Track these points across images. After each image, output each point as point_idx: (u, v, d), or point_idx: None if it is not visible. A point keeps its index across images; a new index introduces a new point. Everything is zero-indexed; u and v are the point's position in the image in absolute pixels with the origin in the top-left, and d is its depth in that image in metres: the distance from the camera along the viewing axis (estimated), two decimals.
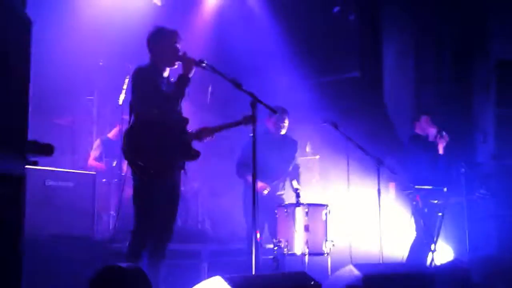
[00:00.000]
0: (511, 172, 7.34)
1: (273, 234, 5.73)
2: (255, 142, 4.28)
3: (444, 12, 7.98)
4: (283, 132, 6.20)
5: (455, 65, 8.06)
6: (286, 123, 6.18)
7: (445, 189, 6.35)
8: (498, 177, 7.35)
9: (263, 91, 4.62)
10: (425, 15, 8.15)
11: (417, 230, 6.41)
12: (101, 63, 7.52)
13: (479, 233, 7.04)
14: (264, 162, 5.79)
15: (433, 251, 6.15)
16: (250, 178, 5.81)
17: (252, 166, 4.20)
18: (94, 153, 7.24)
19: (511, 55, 7.59)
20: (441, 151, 6.55)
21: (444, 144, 6.55)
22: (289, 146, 6.28)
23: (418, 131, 6.77)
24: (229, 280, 3.39)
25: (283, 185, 6.25)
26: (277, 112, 4.90)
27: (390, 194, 7.25)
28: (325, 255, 5.38)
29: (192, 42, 5.94)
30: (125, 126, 5.36)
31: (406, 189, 6.51)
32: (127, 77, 6.70)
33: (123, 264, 3.37)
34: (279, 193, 6.13)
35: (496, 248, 7.11)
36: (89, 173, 5.70)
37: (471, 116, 7.87)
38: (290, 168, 6.23)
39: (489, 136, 7.59)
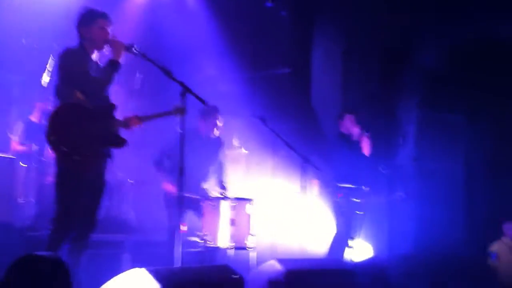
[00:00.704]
0: (430, 174, 7.64)
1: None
2: (184, 134, 4.25)
3: (373, 17, 8.18)
4: (215, 134, 6.12)
5: (381, 68, 8.29)
6: (220, 123, 6.10)
7: (366, 188, 6.52)
8: (417, 178, 7.62)
9: (194, 82, 4.58)
10: (354, 18, 8.32)
11: (337, 226, 6.56)
12: (23, 41, 7.19)
13: (398, 232, 7.31)
14: (187, 162, 5.73)
15: (350, 248, 6.32)
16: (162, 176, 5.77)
17: (175, 161, 4.18)
18: (16, 137, 6.90)
19: (435, 61, 7.88)
20: (365, 152, 6.71)
21: (368, 144, 6.72)
22: (216, 147, 6.20)
23: (342, 129, 6.90)
24: (153, 272, 3.35)
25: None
26: (207, 103, 4.83)
27: (314, 190, 7.38)
28: (249, 249, 5.41)
29: (122, 26, 5.80)
30: (47, 107, 5.15)
31: (329, 187, 6.63)
32: (51, 57, 6.42)
33: (42, 253, 3.25)
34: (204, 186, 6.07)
35: (413, 248, 7.39)
36: (7, 157, 5.43)
37: (394, 118, 8.13)
38: (214, 168, 6.17)
39: (410, 138, 7.85)
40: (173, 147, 5.74)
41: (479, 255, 6.46)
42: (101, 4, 4.54)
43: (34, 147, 6.72)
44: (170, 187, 5.73)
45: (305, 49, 8.88)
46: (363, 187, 6.52)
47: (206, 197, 5.64)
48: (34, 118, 7.06)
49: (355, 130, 6.80)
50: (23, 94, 7.44)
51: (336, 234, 6.53)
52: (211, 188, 6.03)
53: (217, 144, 6.21)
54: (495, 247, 6.92)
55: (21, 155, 6.56)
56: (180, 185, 4.19)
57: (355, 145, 6.75)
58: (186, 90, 4.31)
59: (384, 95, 8.14)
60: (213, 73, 8.36)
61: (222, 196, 5.54)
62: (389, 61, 8.14)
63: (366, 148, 6.73)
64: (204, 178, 6.06)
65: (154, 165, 5.98)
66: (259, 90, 8.49)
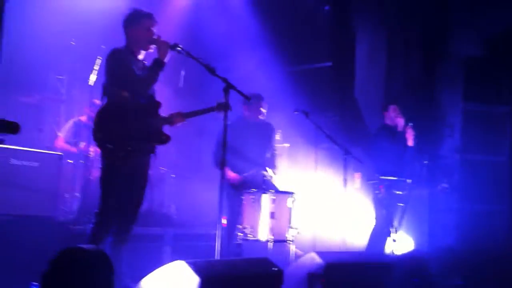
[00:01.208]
0: (473, 167, 7.49)
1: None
2: (226, 129, 4.31)
3: (415, 9, 8.07)
4: (260, 117, 6.15)
5: (425, 59, 8.16)
6: (264, 109, 6.14)
7: (409, 181, 6.46)
8: (461, 171, 7.48)
9: (236, 78, 4.63)
10: (396, 10, 8.22)
11: (377, 219, 6.51)
12: (73, 43, 7.41)
13: (439, 225, 7.20)
14: (242, 149, 5.82)
15: (393, 241, 6.28)
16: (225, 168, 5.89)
17: (225, 153, 4.25)
18: (64, 134, 7.14)
19: (479, 51, 7.72)
20: (410, 143, 6.64)
21: (412, 135, 6.65)
22: (265, 131, 6.21)
23: (387, 121, 6.85)
24: (192, 265, 3.43)
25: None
26: (250, 99, 4.87)
27: (355, 183, 7.34)
28: (289, 242, 5.44)
29: (166, 25, 5.91)
30: (96, 108, 5.33)
31: (371, 179, 6.60)
32: (99, 57, 6.62)
33: (85, 246, 3.36)
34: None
35: (455, 241, 7.27)
36: (55, 154, 5.61)
37: (438, 110, 7.99)
38: (268, 154, 6.19)
39: (455, 130, 7.71)
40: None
41: None
42: (146, 4, 4.66)
43: (82, 144, 6.94)
44: (233, 175, 5.84)
45: (347, 42, 8.82)
46: (406, 180, 6.46)
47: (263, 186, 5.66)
48: (83, 118, 7.26)
49: (399, 121, 6.72)
50: (71, 94, 7.67)
51: (375, 227, 6.49)
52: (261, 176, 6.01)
53: (267, 129, 6.23)
54: None
55: (67, 152, 6.77)
56: (222, 179, 4.25)
57: (400, 136, 6.67)
58: (229, 86, 4.36)
59: (429, 86, 8.01)
60: (255, 68, 8.38)
61: (263, 189, 5.58)
62: (432, 51, 8.00)
63: (410, 139, 6.66)
64: (258, 164, 6.04)
65: (217, 165, 6.05)
66: (301, 84, 8.46)
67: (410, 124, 6.66)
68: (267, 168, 6.03)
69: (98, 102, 6.07)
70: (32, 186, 5.11)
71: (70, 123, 7.22)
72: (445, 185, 6.59)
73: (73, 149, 6.93)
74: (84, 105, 7.14)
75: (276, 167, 6.20)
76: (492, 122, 7.59)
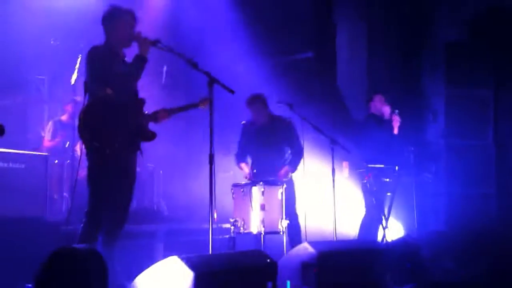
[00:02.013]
0: (459, 151, 7.58)
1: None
2: (213, 122, 4.27)
3: None
4: (262, 119, 6.01)
5: (406, 47, 8.23)
6: (258, 109, 5.99)
7: (396, 168, 6.51)
8: (447, 155, 7.57)
9: (217, 71, 4.61)
10: None
11: (367, 207, 6.56)
12: (52, 42, 7.34)
13: (428, 210, 7.28)
14: (256, 155, 5.91)
15: (384, 228, 6.33)
16: (243, 166, 5.93)
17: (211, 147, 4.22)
18: (47, 135, 7.14)
19: (459, 35, 7.79)
20: (395, 130, 6.68)
21: (398, 123, 6.68)
22: (278, 130, 6.02)
23: (372, 110, 6.89)
24: (185, 260, 3.41)
25: None
26: (234, 92, 4.82)
27: (344, 172, 7.39)
28: (281, 233, 5.46)
29: (146, 21, 5.86)
30: (78, 107, 5.29)
31: (359, 168, 6.64)
32: (79, 56, 6.55)
33: (78, 246, 3.34)
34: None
35: (444, 225, 7.36)
36: (41, 155, 5.58)
37: (422, 96, 8.06)
38: (288, 154, 6.04)
39: (439, 115, 7.79)
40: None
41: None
42: (124, 1, 4.61)
43: (67, 144, 6.91)
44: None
45: (328, 33, 8.85)
46: (394, 167, 6.51)
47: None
48: (64, 118, 7.25)
49: (386, 110, 6.76)
50: (53, 94, 7.60)
51: (366, 215, 6.54)
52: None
53: (280, 127, 6.03)
54: None
55: (54, 152, 6.74)
56: (212, 172, 4.22)
57: (387, 125, 6.71)
58: (212, 80, 4.31)
59: (411, 73, 8.08)
60: (236, 60, 8.35)
61: (252, 182, 5.59)
62: (412, 38, 8.06)
63: (396, 127, 6.70)
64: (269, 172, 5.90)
65: (237, 164, 6.09)
66: (285, 75, 8.47)
67: (396, 111, 6.70)
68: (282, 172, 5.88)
69: (79, 98, 6.05)
70: (19, 187, 5.07)
71: (50, 124, 7.20)
72: (428, 175, 6.67)
73: (55, 142, 6.92)
74: (66, 103, 7.10)
75: (294, 168, 6.01)
76: (475, 106, 7.67)
